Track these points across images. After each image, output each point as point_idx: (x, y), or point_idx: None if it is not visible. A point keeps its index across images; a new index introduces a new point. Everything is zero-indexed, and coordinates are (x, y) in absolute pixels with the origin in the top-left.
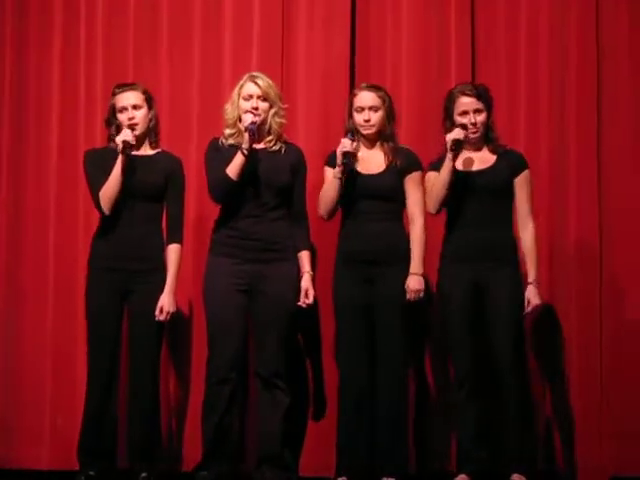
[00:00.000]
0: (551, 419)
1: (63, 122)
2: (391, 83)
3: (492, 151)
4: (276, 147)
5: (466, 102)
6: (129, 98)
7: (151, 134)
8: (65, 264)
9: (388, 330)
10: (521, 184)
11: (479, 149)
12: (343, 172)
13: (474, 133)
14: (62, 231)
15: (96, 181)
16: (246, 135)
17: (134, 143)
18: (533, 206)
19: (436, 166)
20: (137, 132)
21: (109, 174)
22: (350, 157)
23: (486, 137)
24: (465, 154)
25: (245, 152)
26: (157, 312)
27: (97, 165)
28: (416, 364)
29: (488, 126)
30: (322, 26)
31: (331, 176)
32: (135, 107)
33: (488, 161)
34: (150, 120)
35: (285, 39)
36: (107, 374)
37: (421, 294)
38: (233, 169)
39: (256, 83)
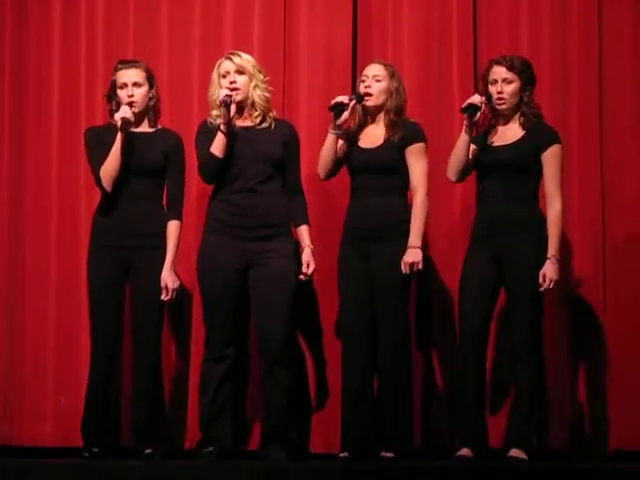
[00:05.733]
0: (552, 392)
1: (64, 99)
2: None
3: (522, 125)
4: (265, 124)
5: (496, 71)
6: (130, 75)
7: (150, 112)
8: (67, 242)
9: (386, 307)
10: (548, 160)
11: (507, 122)
12: (334, 122)
13: (499, 104)
14: (64, 208)
15: (97, 158)
16: (223, 110)
17: (132, 120)
18: (562, 183)
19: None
20: (135, 110)
21: (110, 151)
22: (340, 108)
23: (520, 111)
24: (496, 127)
25: (223, 128)
26: (163, 293)
27: (98, 142)
28: (421, 341)
29: (522, 99)
30: (325, 1)
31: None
32: (135, 84)
33: (514, 136)
34: (150, 99)
35: (287, 13)
36: (110, 350)
37: (416, 267)
38: (216, 147)
39: (231, 59)
